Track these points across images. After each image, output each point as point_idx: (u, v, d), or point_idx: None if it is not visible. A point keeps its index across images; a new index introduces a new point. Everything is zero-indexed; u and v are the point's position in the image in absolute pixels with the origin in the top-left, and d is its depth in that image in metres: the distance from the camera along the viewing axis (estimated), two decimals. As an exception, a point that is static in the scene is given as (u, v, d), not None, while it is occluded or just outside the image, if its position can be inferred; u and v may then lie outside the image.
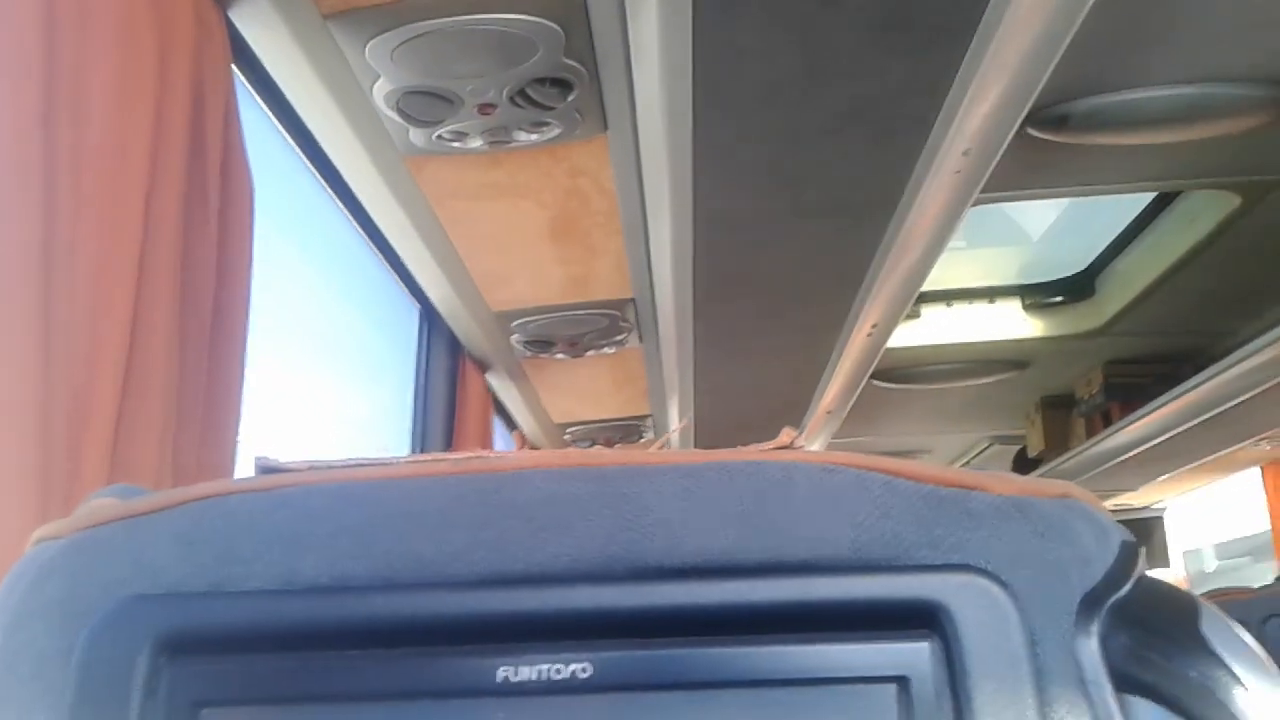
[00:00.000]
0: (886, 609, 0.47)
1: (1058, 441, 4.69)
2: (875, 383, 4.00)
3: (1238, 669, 0.45)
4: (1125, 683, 0.47)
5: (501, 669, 0.46)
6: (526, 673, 0.46)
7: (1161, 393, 3.72)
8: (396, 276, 2.56)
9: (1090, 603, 0.48)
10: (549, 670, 0.46)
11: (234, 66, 1.42)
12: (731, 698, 0.46)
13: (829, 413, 3.92)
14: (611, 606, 0.47)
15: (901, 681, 0.46)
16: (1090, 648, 0.47)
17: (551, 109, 1.74)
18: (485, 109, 1.73)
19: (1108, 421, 4.21)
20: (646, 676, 0.47)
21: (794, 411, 3.75)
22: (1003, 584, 0.47)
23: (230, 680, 0.47)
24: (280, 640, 0.47)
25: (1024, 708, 0.45)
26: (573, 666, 0.46)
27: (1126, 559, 0.50)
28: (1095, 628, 0.48)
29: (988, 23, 1.56)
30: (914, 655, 0.47)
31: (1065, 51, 1.70)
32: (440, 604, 0.48)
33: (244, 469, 1.34)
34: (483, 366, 3.12)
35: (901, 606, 0.47)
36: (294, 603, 0.48)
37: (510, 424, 3.74)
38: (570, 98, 1.72)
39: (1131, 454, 4.23)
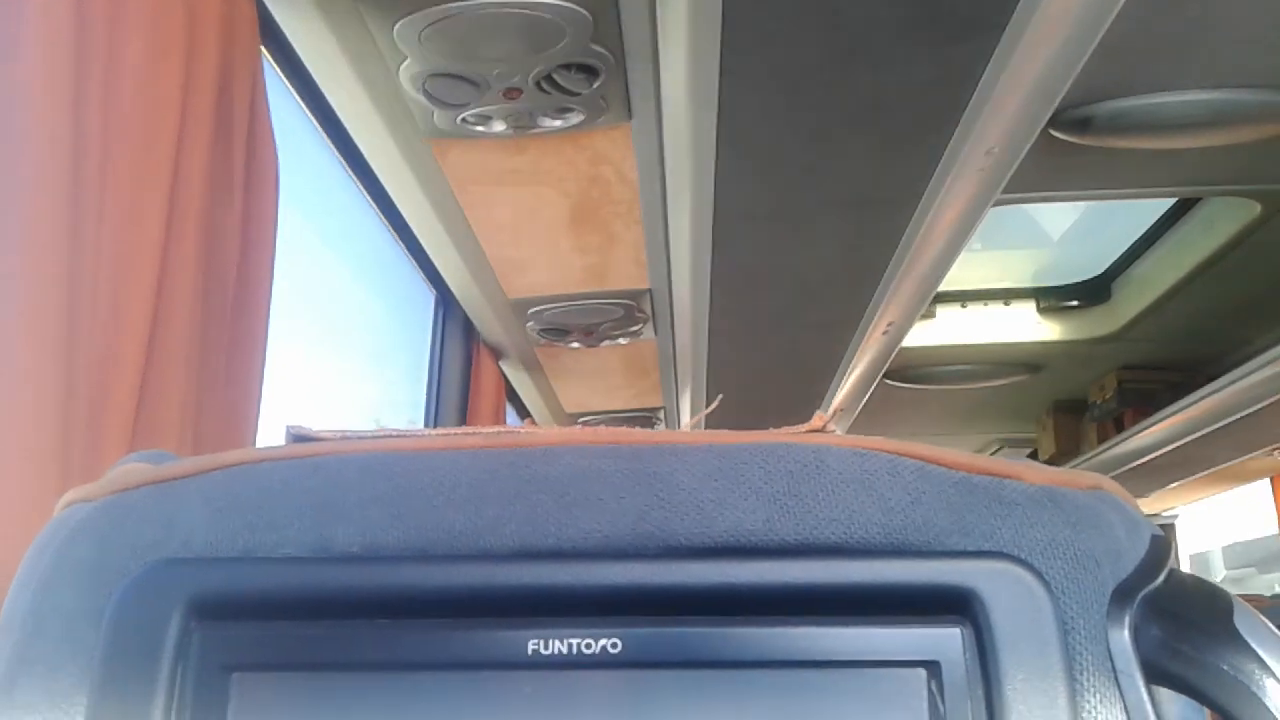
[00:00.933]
0: (918, 594, 0.47)
1: (1069, 446, 4.68)
2: (886, 382, 3.99)
3: (1272, 662, 0.45)
4: (1156, 674, 0.47)
5: (532, 641, 0.46)
6: (557, 646, 0.46)
7: (1175, 400, 3.72)
8: (414, 260, 2.56)
9: (1122, 594, 0.48)
10: (579, 644, 0.46)
11: (262, 45, 1.43)
12: (761, 678, 0.46)
13: (841, 410, 3.91)
14: (642, 583, 0.47)
15: (932, 666, 0.46)
16: (1122, 638, 0.47)
17: (577, 95, 1.74)
18: (511, 93, 1.72)
19: (1120, 427, 4.21)
20: (676, 654, 0.46)
21: (807, 408, 3.74)
22: (1035, 572, 0.47)
23: (261, 645, 0.47)
24: (311, 607, 0.47)
25: (1055, 696, 0.45)
26: (603, 641, 0.46)
27: (1158, 552, 0.50)
28: (1127, 619, 0.48)
29: (1017, 20, 1.56)
30: (945, 640, 0.46)
31: (1091, 54, 1.69)
32: (471, 575, 0.48)
33: (264, 442, 1.34)
34: (497, 353, 3.12)
35: (933, 592, 0.47)
36: (326, 571, 0.48)
37: (522, 412, 3.74)
38: (596, 84, 1.71)
39: (1143, 460, 4.22)
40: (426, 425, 2.83)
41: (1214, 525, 6.26)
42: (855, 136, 1.92)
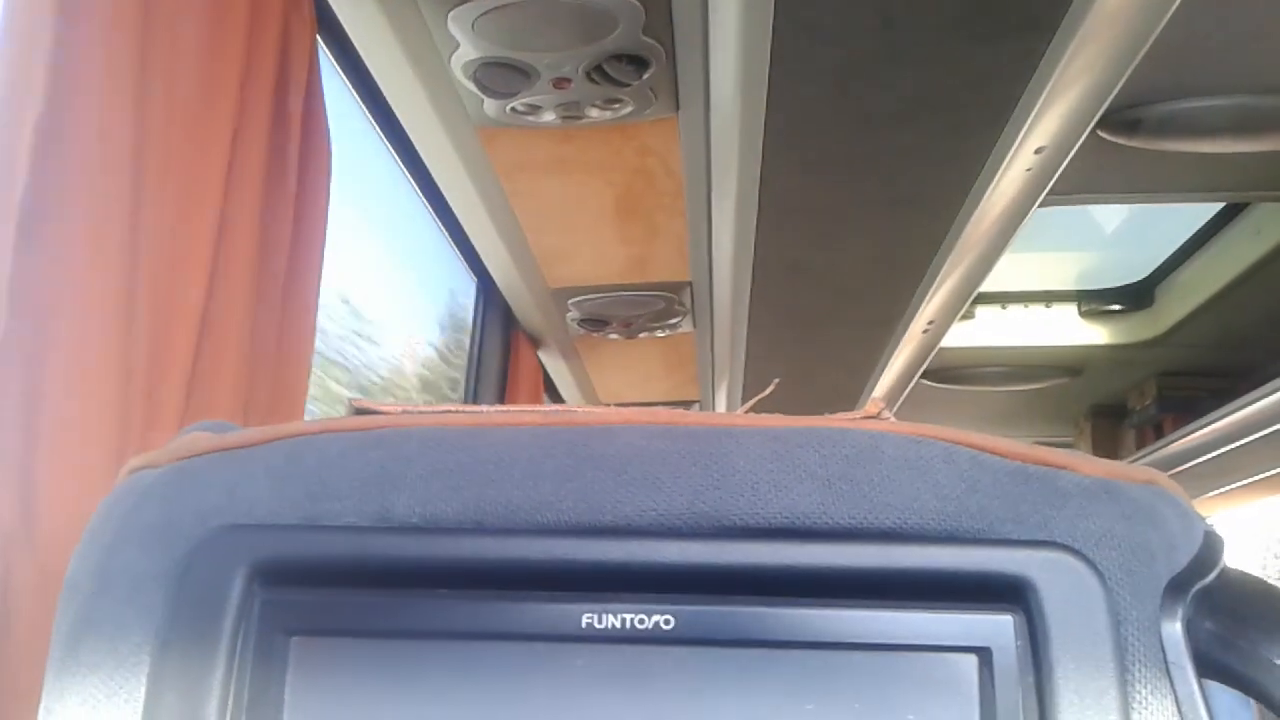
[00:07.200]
0: (971, 581, 0.47)
1: (1107, 451, 4.63)
2: (923, 382, 3.97)
3: None
4: (1208, 668, 0.47)
5: (586, 615, 0.47)
6: (610, 620, 0.47)
7: (1216, 407, 3.67)
8: (456, 247, 2.57)
9: (1176, 587, 0.48)
10: (632, 620, 0.47)
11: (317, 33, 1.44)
12: (813, 659, 0.47)
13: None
14: (696, 562, 0.48)
15: (983, 653, 0.46)
16: (1175, 631, 0.47)
17: (626, 86, 1.75)
18: (561, 83, 1.73)
19: (1159, 433, 4.16)
20: (728, 632, 0.47)
21: (843, 406, 3.72)
22: (1089, 563, 0.47)
23: (320, 611, 0.48)
24: (371, 575, 0.48)
25: (1106, 685, 0.45)
26: (656, 618, 0.47)
27: (1212, 548, 0.50)
28: (1180, 612, 0.48)
29: (1071, 19, 1.54)
30: (997, 628, 0.47)
31: (1143, 56, 1.68)
32: (528, 549, 0.48)
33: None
34: (535, 342, 3.13)
35: (986, 579, 0.47)
36: (385, 540, 0.49)
37: (558, 401, 3.75)
38: (645, 76, 1.72)
39: (1182, 468, 4.18)
40: (465, 411, 2.84)
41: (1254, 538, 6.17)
42: (904, 133, 1.91)
